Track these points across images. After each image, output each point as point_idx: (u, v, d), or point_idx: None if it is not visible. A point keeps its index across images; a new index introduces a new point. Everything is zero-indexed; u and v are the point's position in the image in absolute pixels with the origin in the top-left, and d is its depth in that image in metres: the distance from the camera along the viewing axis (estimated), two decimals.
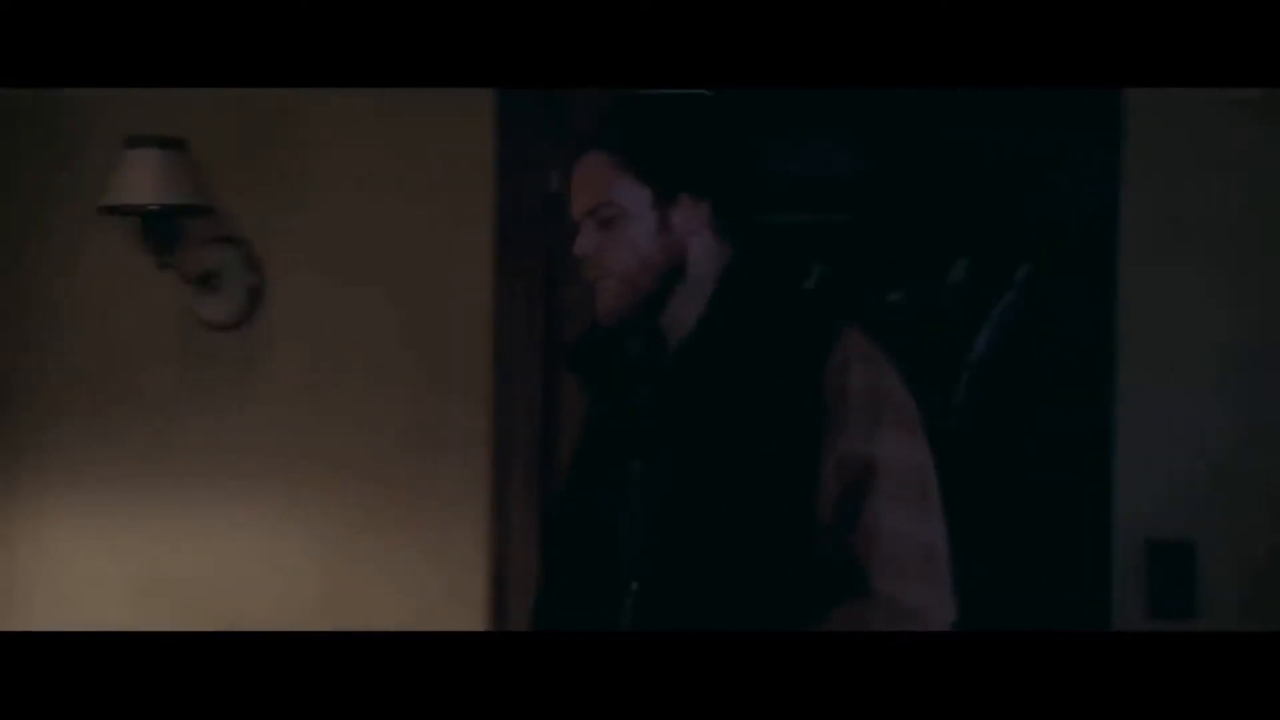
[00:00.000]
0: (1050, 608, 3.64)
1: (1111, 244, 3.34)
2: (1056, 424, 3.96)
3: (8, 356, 4.15)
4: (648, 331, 2.37)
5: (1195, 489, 3.24)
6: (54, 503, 4.09)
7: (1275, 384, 3.22)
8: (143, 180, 3.72)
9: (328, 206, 3.82)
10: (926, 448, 2.27)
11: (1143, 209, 3.30)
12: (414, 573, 3.70)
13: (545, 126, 3.67)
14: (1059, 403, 3.95)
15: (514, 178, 3.71)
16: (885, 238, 4.73)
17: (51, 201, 4.09)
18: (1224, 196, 3.24)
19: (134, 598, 3.98)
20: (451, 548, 3.69)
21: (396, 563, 3.72)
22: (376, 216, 3.78)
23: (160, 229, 3.82)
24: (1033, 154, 4.13)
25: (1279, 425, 3.22)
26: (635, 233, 2.31)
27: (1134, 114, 3.28)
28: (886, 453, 2.20)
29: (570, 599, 2.39)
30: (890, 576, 2.17)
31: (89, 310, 4.06)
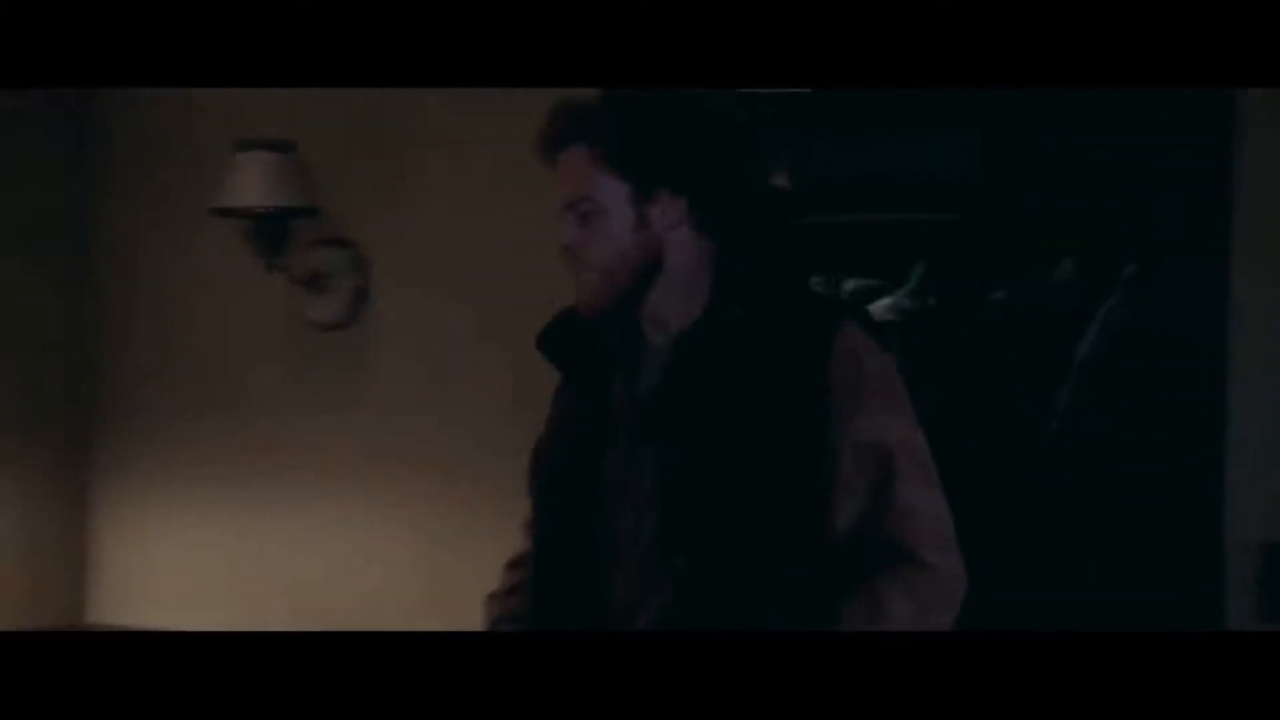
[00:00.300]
0: (1161, 610, 3.60)
1: (1221, 243, 3.29)
2: (1166, 426, 3.91)
3: (118, 355, 4.22)
4: (626, 323, 2.41)
5: None
6: (160, 500, 4.16)
7: None
8: (252, 183, 3.76)
9: (433, 208, 3.84)
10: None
11: (1254, 208, 3.24)
12: None
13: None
14: (1168, 404, 3.90)
15: None
16: (991, 237, 4.70)
17: (163, 203, 4.15)
18: None
19: (237, 595, 4.05)
20: None
21: (497, 564, 3.73)
22: (481, 218, 3.79)
23: (269, 231, 3.86)
24: (1142, 153, 4.08)
25: None
26: (613, 228, 2.34)
27: (1247, 113, 3.23)
28: (904, 435, 2.28)
29: (556, 588, 2.43)
30: (931, 548, 2.25)
31: (198, 310, 4.12)
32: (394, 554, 3.86)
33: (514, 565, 2.67)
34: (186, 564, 4.12)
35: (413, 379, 3.85)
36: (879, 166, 5.41)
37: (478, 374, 3.78)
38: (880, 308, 5.62)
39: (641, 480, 2.33)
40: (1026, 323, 4.57)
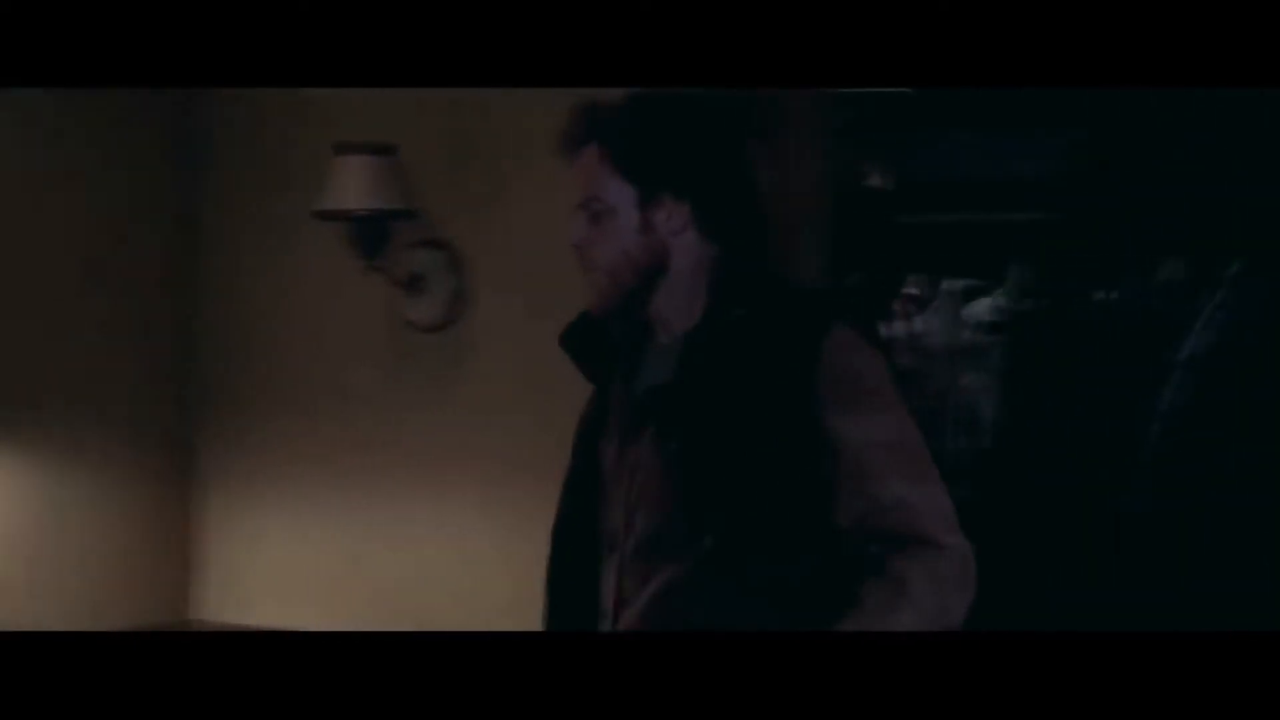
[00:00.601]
0: (1268, 610, 3.57)
1: None
2: (1272, 425, 3.86)
3: (222, 356, 4.28)
4: (633, 323, 2.48)
5: None
6: (257, 497, 4.22)
7: None
8: (353, 186, 3.79)
9: (530, 210, 3.85)
10: None
11: None
12: None
13: (749, 125, 3.64)
14: (1275, 403, 3.85)
15: None
16: (1094, 235, 4.66)
17: (267, 204, 4.20)
18: None
19: (330, 593, 4.09)
20: None
21: None
22: None
23: (369, 233, 3.89)
24: (1246, 150, 4.03)
25: None
26: (619, 229, 2.40)
27: None
28: (893, 433, 2.30)
29: (564, 581, 2.56)
30: (941, 532, 2.26)
31: (300, 310, 4.17)
32: (483, 553, 3.88)
33: None
34: (286, 561, 4.17)
35: (509, 380, 3.87)
36: (981, 166, 5.38)
37: (573, 375, 3.78)
38: (982, 307, 5.58)
39: (634, 477, 2.40)
40: (1129, 322, 4.52)
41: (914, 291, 6.52)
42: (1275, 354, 3.85)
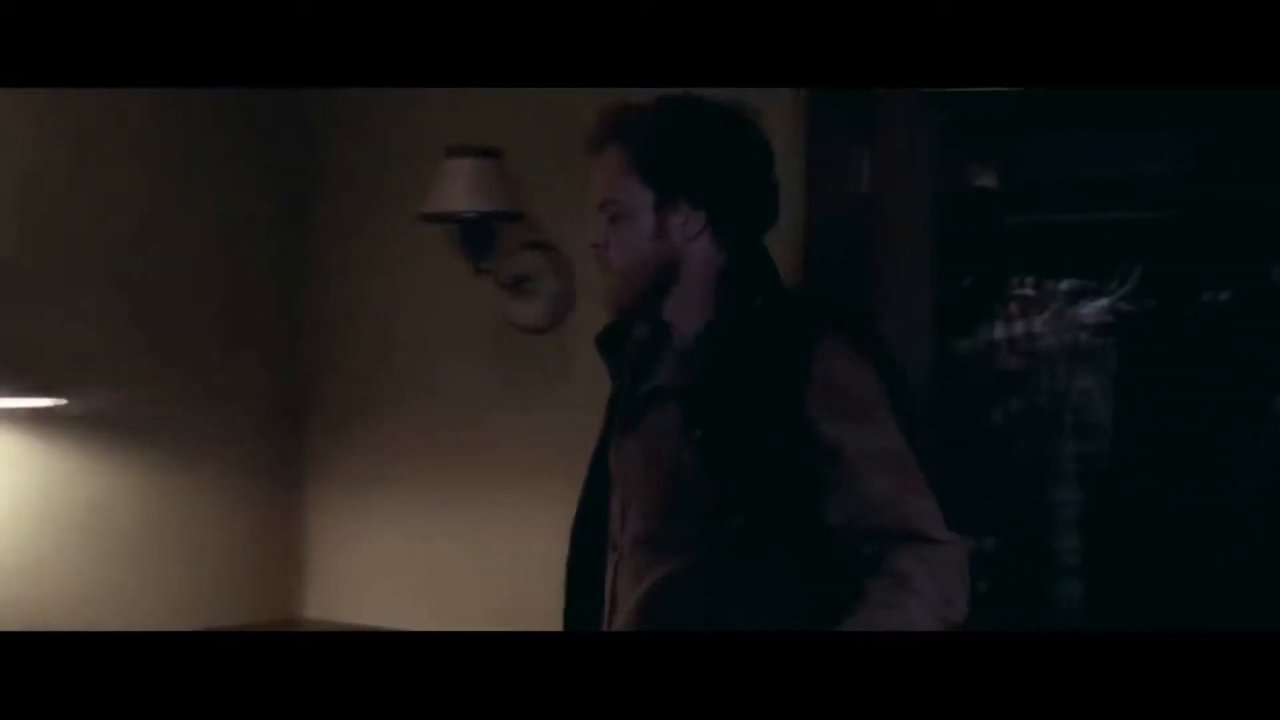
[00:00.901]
0: None
1: None
2: None
3: (329, 354, 4.33)
4: (649, 325, 2.53)
5: None
6: (361, 496, 4.27)
7: None
8: (460, 189, 3.83)
9: None
10: None
11: None
12: None
13: (854, 126, 3.63)
14: None
15: (823, 179, 3.66)
16: (1205, 237, 4.59)
17: (376, 206, 4.24)
18: None
19: (431, 593, 4.13)
20: None
21: None
22: None
23: (476, 235, 3.92)
24: None
25: None
26: (635, 232, 2.45)
27: None
28: (875, 442, 2.32)
29: (584, 576, 2.62)
30: (931, 529, 2.29)
31: (408, 311, 4.21)
32: None
33: None
34: (394, 560, 4.21)
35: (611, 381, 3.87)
36: (1094, 166, 5.32)
37: None
38: (1095, 310, 5.51)
39: (629, 476, 2.48)
40: (1245, 324, 4.46)
41: (1026, 293, 6.46)
42: None
